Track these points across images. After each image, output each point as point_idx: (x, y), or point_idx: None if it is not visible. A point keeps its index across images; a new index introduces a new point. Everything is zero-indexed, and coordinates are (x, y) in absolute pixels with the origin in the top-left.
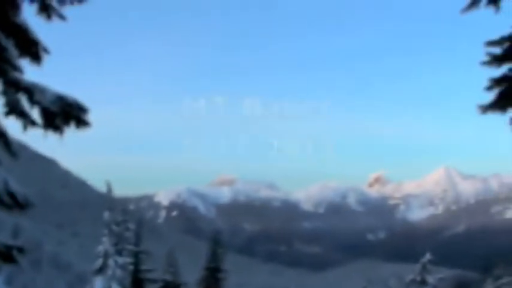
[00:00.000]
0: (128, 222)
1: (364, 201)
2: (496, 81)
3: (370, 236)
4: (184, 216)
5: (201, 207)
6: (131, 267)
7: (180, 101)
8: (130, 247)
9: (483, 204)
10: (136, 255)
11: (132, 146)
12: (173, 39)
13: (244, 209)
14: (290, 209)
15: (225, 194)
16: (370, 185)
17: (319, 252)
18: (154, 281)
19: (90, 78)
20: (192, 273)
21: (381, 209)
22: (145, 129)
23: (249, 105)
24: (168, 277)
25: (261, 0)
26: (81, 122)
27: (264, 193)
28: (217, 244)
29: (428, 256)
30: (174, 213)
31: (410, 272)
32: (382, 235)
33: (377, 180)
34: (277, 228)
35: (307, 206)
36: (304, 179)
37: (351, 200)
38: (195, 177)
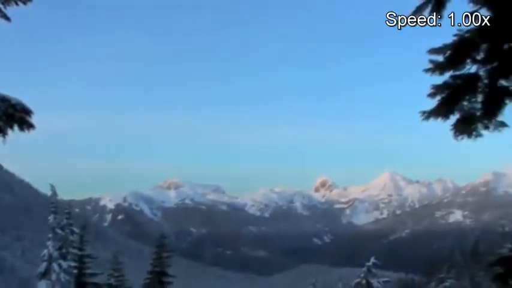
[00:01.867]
0: (73, 226)
1: (310, 206)
2: (438, 88)
3: (316, 240)
4: (130, 219)
5: (147, 211)
6: (75, 271)
7: (127, 103)
8: (75, 251)
9: (427, 208)
10: (80, 259)
11: (77, 149)
12: (115, 42)
13: (190, 212)
14: (236, 213)
15: (171, 198)
16: (316, 190)
17: (265, 257)
18: (98, 285)
19: (31, 79)
20: (137, 277)
21: (326, 213)
22: (91, 132)
23: (197, 111)
24: (113, 281)
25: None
26: (25, 124)
27: (211, 197)
28: (162, 248)
29: (373, 260)
30: (120, 216)
31: (356, 275)
32: (328, 239)
33: (323, 184)
34: (223, 232)
35: (253, 210)
36: (251, 184)
37: (297, 205)
38: (141, 181)
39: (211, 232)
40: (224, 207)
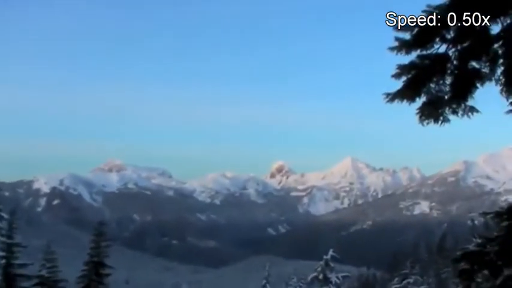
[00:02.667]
0: (1, 211)
1: (265, 193)
2: (404, 68)
3: (270, 230)
4: (66, 204)
5: (86, 195)
6: (3, 261)
7: (65, 80)
8: (3, 239)
9: (391, 198)
10: (9, 248)
11: (8, 127)
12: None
13: (133, 198)
14: (184, 200)
15: (113, 181)
16: (272, 176)
17: (214, 247)
18: (28, 277)
19: None
20: (73, 269)
21: (282, 201)
22: (24, 109)
23: (142, 88)
24: (45, 273)
25: None
26: None
27: (156, 181)
28: (101, 236)
29: (331, 253)
30: (56, 201)
31: (313, 269)
32: (283, 229)
33: (279, 170)
34: (169, 220)
35: (202, 197)
36: (200, 168)
37: (251, 191)
38: (80, 162)
39: (156, 220)
40: (171, 193)
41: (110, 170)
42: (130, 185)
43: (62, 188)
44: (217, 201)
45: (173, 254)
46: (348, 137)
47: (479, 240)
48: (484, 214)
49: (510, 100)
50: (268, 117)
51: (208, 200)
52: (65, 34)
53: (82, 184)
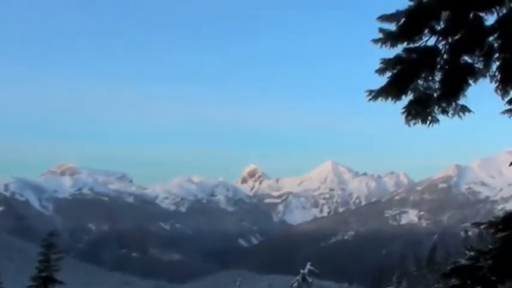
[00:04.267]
0: None
1: (236, 200)
2: (389, 63)
3: (241, 242)
4: (12, 212)
5: (35, 202)
6: None
7: (8, 78)
8: None
9: (376, 206)
10: None
11: None
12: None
13: (89, 205)
14: (145, 207)
15: (65, 186)
16: (243, 181)
17: (179, 260)
18: None
19: None
20: (19, 284)
21: (255, 209)
22: None
23: (99, 84)
24: None
25: None
26: None
27: (114, 186)
28: (51, 248)
29: (309, 266)
30: (0, 208)
31: (289, 284)
32: (256, 240)
33: (251, 175)
34: (129, 229)
35: (166, 204)
36: (164, 172)
37: (220, 198)
38: (28, 165)
39: (115, 229)
40: (131, 199)
41: (62, 174)
42: (85, 191)
43: (7, 193)
44: (182, 209)
45: (133, 267)
46: (328, 138)
47: (471, 253)
48: (477, 224)
49: (506, 99)
50: (239, 117)
51: (173, 208)
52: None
53: (30, 189)
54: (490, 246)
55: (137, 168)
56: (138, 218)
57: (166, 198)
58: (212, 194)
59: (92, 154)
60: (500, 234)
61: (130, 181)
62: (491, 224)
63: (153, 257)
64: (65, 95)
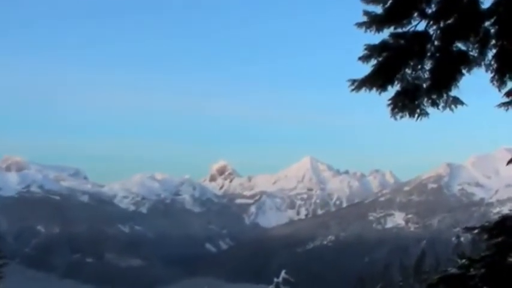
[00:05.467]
0: None
1: (203, 200)
2: (374, 49)
3: (209, 246)
4: None
5: None
6: None
7: None
8: None
9: (358, 208)
10: None
11: None
12: None
13: (38, 204)
14: (102, 207)
15: (11, 183)
16: (212, 179)
17: (139, 266)
18: None
19: None
20: None
21: (224, 210)
22: None
23: (52, 70)
24: None
25: None
26: None
27: (67, 184)
28: None
29: (284, 274)
30: None
31: None
32: (225, 245)
33: (221, 172)
34: (83, 232)
35: (125, 204)
36: (123, 168)
37: (185, 197)
38: None
39: (67, 232)
40: (85, 198)
41: (8, 169)
42: (33, 188)
43: None
44: (143, 209)
45: (87, 274)
46: (306, 132)
47: (463, 261)
48: (469, 229)
49: (503, 90)
50: (208, 108)
51: (133, 208)
52: None
53: None
54: (483, 254)
55: (93, 164)
56: (94, 219)
57: (125, 197)
58: (177, 193)
59: (42, 147)
60: (494, 241)
61: (85, 178)
62: (484, 229)
63: (110, 263)
64: (11, 82)
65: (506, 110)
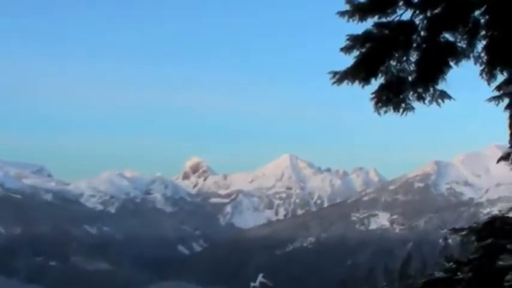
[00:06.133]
0: None
1: (175, 199)
2: (357, 40)
3: (182, 248)
4: None
5: None
6: None
7: None
8: None
9: (340, 208)
10: None
11: None
12: None
13: None
14: (67, 206)
15: None
16: (185, 177)
17: (107, 270)
18: None
19: None
20: None
21: (198, 210)
22: None
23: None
24: None
25: None
26: None
27: (30, 181)
28: None
29: (261, 278)
30: None
31: None
32: (199, 247)
33: (194, 169)
34: (47, 233)
35: (92, 203)
36: (90, 165)
37: (157, 196)
38: None
39: (29, 233)
40: (49, 197)
41: None
42: None
43: None
44: (111, 209)
45: (51, 278)
46: (285, 128)
47: (450, 264)
48: (456, 231)
49: (493, 84)
50: (181, 102)
51: (100, 207)
52: None
53: None
54: (471, 257)
55: (57, 160)
56: (58, 219)
57: (92, 196)
58: (147, 192)
59: (3, 142)
60: (482, 243)
61: (49, 175)
62: (472, 231)
63: (76, 266)
64: None
65: (497, 104)
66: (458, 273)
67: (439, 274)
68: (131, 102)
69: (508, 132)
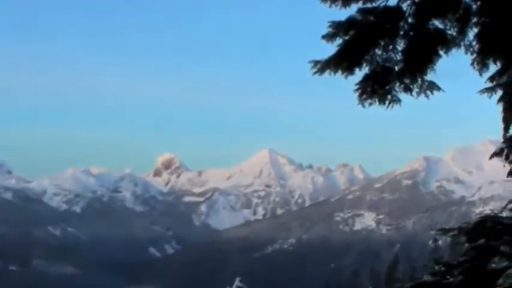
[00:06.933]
0: None
1: (146, 198)
2: (340, 27)
3: (153, 251)
4: None
5: None
6: None
7: None
8: None
9: (323, 207)
10: None
11: None
12: None
13: None
14: (29, 206)
15: None
16: (156, 173)
17: (72, 274)
18: None
19: None
20: None
21: (171, 209)
22: None
23: None
24: None
25: None
26: None
27: None
28: None
29: (238, 283)
30: None
31: None
32: (171, 249)
33: (167, 166)
34: (6, 235)
35: (56, 202)
36: (53, 161)
37: (126, 195)
38: None
39: None
40: (9, 196)
41: None
42: None
43: None
44: (77, 209)
45: (11, 284)
46: (264, 122)
47: (439, 267)
48: (445, 231)
49: (486, 74)
50: (152, 93)
51: (65, 207)
52: None
53: None
54: (461, 259)
55: (18, 156)
56: (19, 219)
57: (56, 194)
58: (116, 190)
59: None
60: (472, 244)
61: (9, 172)
62: (462, 231)
63: (38, 271)
64: None
65: (490, 96)
66: (448, 277)
67: (427, 278)
68: (99, 93)
69: (502, 126)
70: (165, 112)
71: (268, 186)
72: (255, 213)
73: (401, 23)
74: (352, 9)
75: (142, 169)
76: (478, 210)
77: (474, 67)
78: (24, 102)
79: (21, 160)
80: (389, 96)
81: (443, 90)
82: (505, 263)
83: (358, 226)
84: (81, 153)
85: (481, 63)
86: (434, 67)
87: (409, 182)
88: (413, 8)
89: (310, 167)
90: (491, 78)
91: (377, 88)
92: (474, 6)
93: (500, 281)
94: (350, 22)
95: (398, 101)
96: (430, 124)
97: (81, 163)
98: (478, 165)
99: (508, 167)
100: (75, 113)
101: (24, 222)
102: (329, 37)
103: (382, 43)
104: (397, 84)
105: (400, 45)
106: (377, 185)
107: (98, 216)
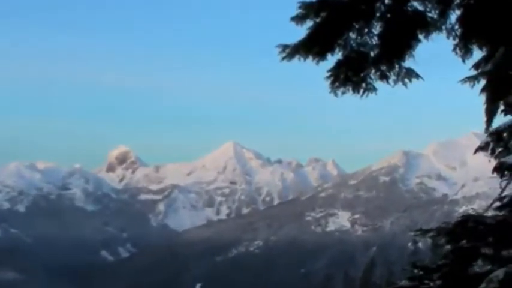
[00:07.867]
0: None
1: (98, 196)
2: (310, 8)
3: (105, 254)
4: None
5: None
6: None
7: None
8: None
9: (293, 206)
10: None
11: None
12: None
13: None
14: None
15: None
16: (110, 169)
17: (14, 280)
18: None
19: None
20: None
21: (125, 208)
22: None
23: None
24: None
25: None
26: None
27: None
28: None
29: None
30: None
31: None
32: (126, 252)
33: (121, 160)
34: None
35: None
36: None
37: (75, 192)
38: None
39: None
40: None
41: None
42: None
43: None
44: (20, 208)
45: None
46: (228, 112)
47: (418, 271)
48: (423, 232)
49: (470, 61)
50: (105, 81)
51: (7, 205)
52: None
53: None
54: (440, 262)
55: None
56: None
57: None
58: (64, 187)
59: None
60: (453, 246)
61: None
62: (441, 232)
63: None
64: None
65: (472, 86)
66: (426, 281)
67: (404, 283)
68: (42, 80)
69: (484, 118)
70: (119, 101)
71: (232, 183)
72: (218, 212)
73: (378, 4)
74: None
75: (94, 164)
76: (461, 210)
77: (457, 53)
78: None
79: None
80: (364, 84)
81: (422, 79)
82: (488, 267)
83: (331, 227)
84: (26, 146)
85: (464, 49)
86: (413, 53)
87: (387, 178)
88: None
89: (279, 161)
90: (476, 66)
91: (351, 75)
92: None
93: (483, 285)
94: (321, 2)
95: (374, 89)
96: (409, 116)
97: (26, 157)
98: (461, 161)
99: (493, 163)
100: (19, 102)
101: None
102: (299, 19)
103: (357, 26)
104: (373, 71)
105: (376, 28)
106: (352, 182)
107: (44, 215)
